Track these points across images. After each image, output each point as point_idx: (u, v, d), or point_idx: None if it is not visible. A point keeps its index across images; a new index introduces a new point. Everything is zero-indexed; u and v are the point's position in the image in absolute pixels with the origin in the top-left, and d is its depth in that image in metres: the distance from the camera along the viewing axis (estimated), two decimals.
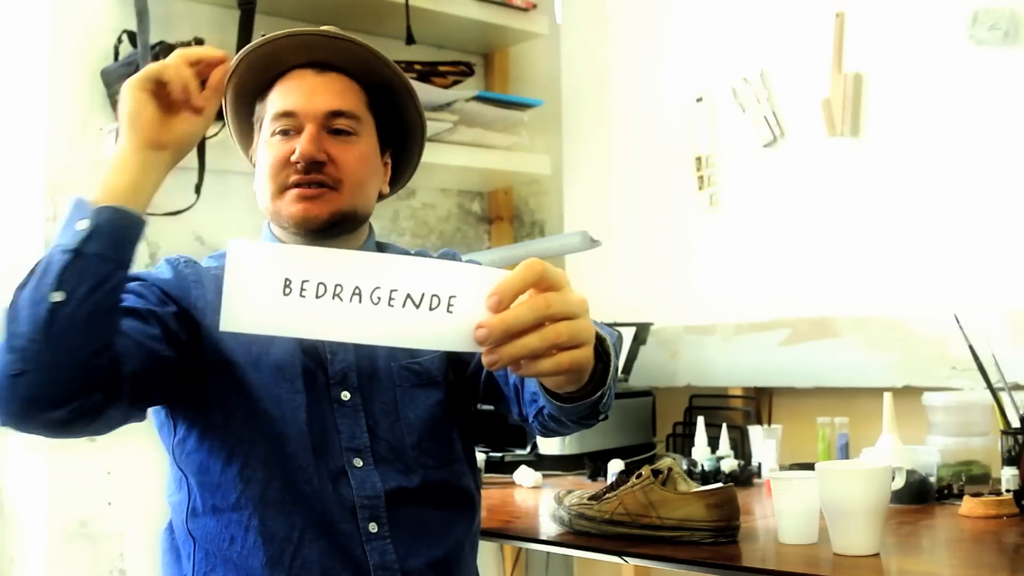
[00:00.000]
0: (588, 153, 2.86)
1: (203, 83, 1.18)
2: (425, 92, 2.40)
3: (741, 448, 2.21)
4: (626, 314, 2.48)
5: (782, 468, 1.96)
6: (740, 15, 2.49)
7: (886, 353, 2.18)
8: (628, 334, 2.44)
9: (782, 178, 2.39)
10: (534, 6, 2.72)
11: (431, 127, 2.41)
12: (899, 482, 1.61)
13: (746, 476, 1.99)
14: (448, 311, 0.93)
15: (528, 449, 2.22)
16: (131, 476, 2.12)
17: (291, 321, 0.96)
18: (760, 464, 2.04)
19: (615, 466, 1.94)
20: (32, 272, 1.07)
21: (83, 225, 1.07)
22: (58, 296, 1.03)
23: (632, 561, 1.51)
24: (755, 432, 2.14)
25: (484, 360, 0.92)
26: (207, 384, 1.27)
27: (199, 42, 2.11)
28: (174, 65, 1.15)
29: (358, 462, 1.29)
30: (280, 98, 1.32)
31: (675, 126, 2.60)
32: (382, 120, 1.37)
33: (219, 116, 1.29)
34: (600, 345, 1.05)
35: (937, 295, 2.10)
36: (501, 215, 2.87)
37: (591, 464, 2.13)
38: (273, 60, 1.33)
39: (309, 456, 1.27)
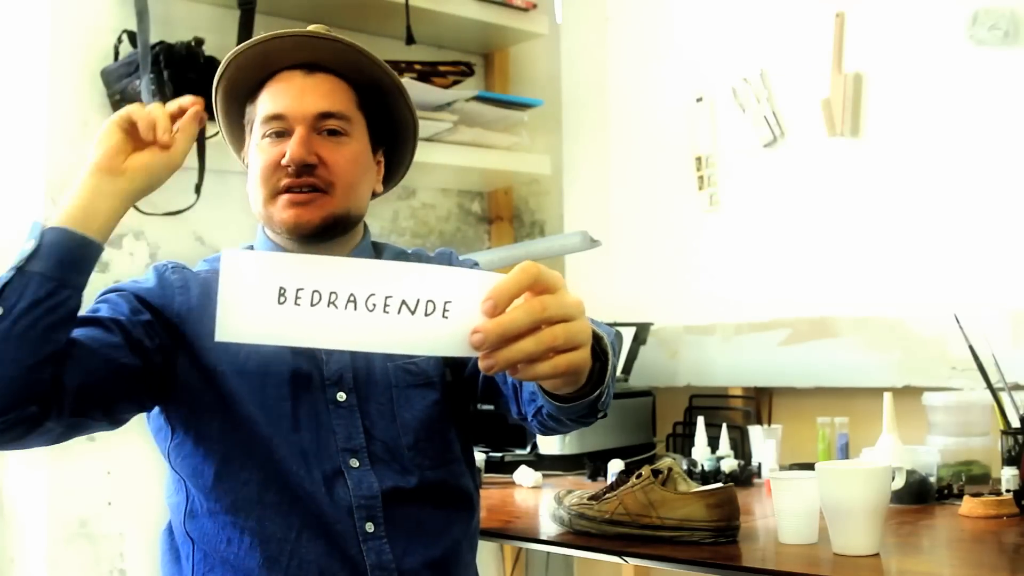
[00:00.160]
0: (588, 153, 2.86)
1: None
2: (425, 92, 2.41)
3: (741, 448, 2.21)
4: (626, 314, 2.48)
5: (782, 468, 1.96)
6: (740, 15, 2.49)
7: (886, 353, 2.18)
8: (628, 334, 2.44)
9: (782, 178, 2.39)
10: (534, 6, 2.72)
11: (431, 127, 2.42)
12: (899, 482, 1.61)
13: (746, 476, 1.99)
14: (444, 316, 0.93)
15: (528, 449, 2.22)
16: (131, 476, 2.12)
17: (286, 330, 0.96)
18: (760, 464, 2.04)
19: (615, 466, 1.94)
20: None
21: (29, 245, 1.11)
22: None
23: (632, 561, 1.51)
24: (755, 432, 2.14)
25: (480, 365, 0.92)
26: (193, 391, 1.28)
27: (199, 42, 2.11)
28: (149, 107, 1.20)
29: (354, 463, 1.29)
30: (269, 100, 1.31)
31: (675, 126, 2.60)
32: (374, 119, 1.37)
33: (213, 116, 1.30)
34: (597, 344, 1.05)
35: (937, 295, 2.10)
36: (501, 215, 2.87)
37: (591, 464, 2.13)
38: (262, 61, 1.32)
39: (300, 460, 1.27)
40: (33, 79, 2.17)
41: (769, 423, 2.35)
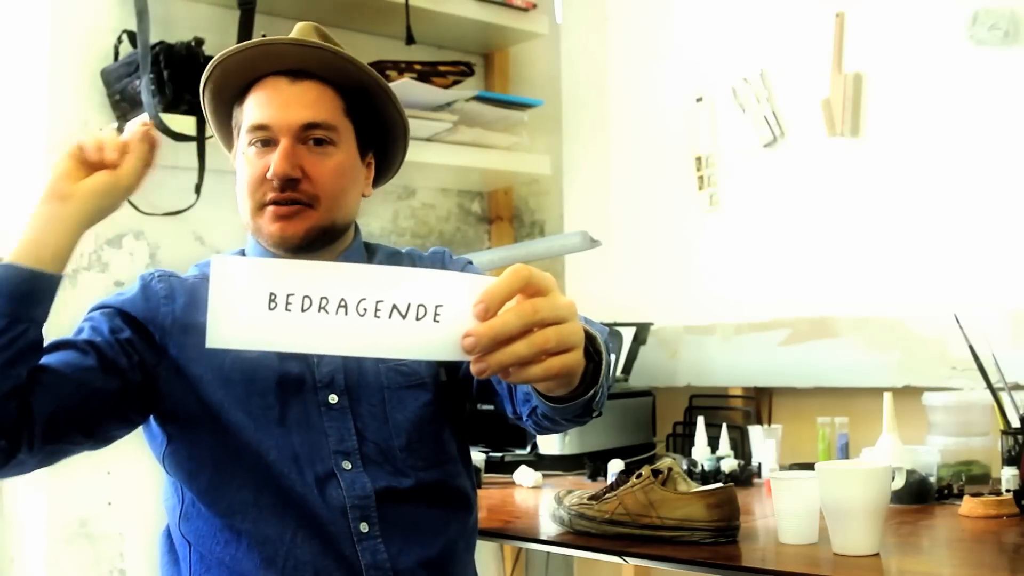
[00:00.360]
0: (588, 153, 2.86)
1: None
2: (425, 92, 2.40)
3: (741, 448, 2.21)
4: (626, 314, 2.48)
5: (782, 468, 1.96)
6: (740, 15, 2.49)
7: (886, 353, 2.18)
8: (628, 334, 2.44)
9: (782, 178, 2.39)
10: (534, 6, 2.71)
11: (431, 127, 2.42)
12: (899, 482, 1.61)
13: (746, 476, 1.99)
14: (435, 320, 0.93)
15: (528, 449, 2.22)
16: (131, 476, 2.12)
17: (278, 336, 0.95)
18: (760, 464, 2.04)
19: (615, 466, 1.94)
20: None
21: None
22: None
23: (632, 561, 1.51)
24: (755, 432, 2.14)
25: (472, 369, 0.92)
26: (178, 402, 1.28)
27: (199, 42, 2.11)
28: (98, 132, 1.21)
29: (347, 464, 1.29)
30: (255, 109, 1.31)
31: (675, 126, 2.60)
32: (363, 122, 1.36)
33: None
34: (591, 344, 1.04)
35: (937, 295, 2.10)
36: (501, 215, 2.87)
37: (591, 464, 2.13)
38: (248, 67, 1.31)
39: (291, 463, 1.27)
40: (33, 79, 2.17)
41: (769, 423, 2.35)
